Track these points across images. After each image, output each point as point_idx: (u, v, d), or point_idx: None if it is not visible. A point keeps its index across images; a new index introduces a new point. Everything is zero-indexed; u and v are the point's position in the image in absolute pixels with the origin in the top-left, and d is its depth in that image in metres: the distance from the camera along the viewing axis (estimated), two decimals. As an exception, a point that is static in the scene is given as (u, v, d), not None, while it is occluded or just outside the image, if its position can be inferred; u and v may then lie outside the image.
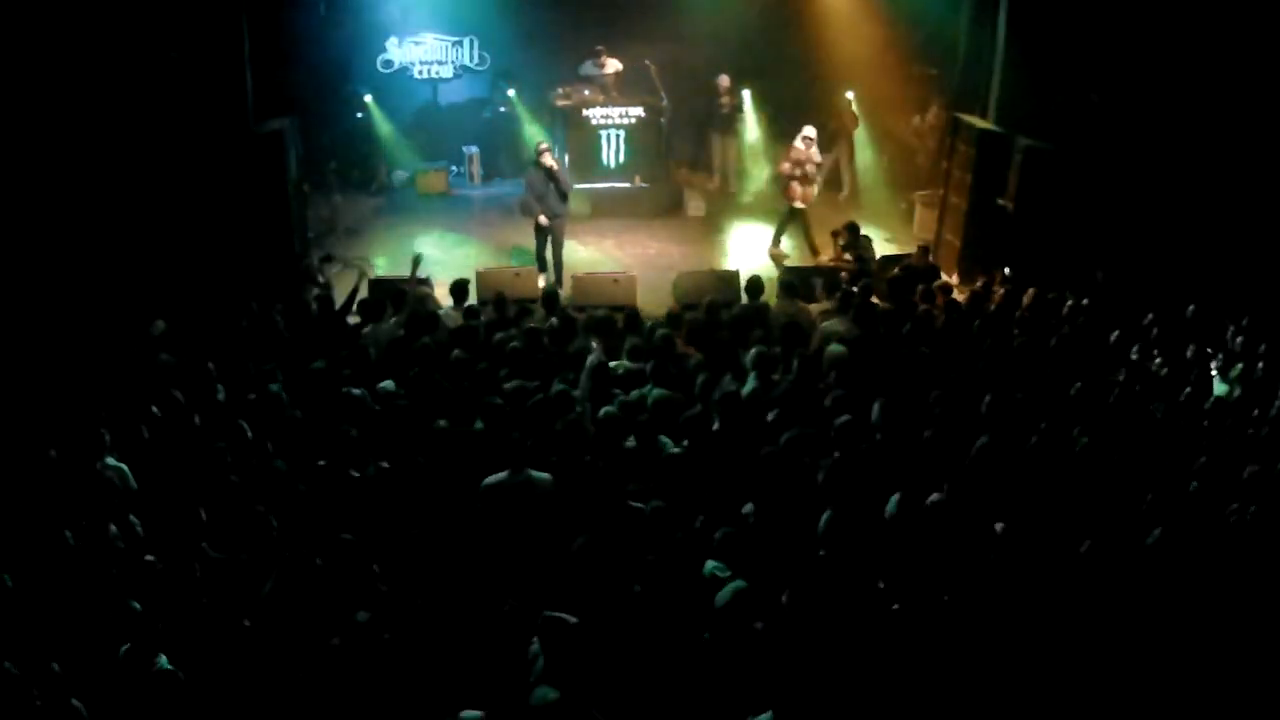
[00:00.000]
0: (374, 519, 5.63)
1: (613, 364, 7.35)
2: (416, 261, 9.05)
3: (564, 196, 11.07)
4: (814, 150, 11.76)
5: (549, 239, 11.13)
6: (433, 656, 4.78)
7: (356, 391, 6.80)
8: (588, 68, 13.91)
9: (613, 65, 13.80)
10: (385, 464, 6.09)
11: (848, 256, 10.73)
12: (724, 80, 13.96)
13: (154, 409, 6.56)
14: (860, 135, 14.37)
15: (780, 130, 14.01)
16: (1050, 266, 9.68)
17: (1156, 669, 4.79)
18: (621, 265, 11.65)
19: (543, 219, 10.98)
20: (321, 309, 8.59)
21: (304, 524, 5.48)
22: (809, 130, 11.81)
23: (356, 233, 12.77)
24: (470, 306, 8.74)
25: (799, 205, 11.81)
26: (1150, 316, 8.34)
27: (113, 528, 5.44)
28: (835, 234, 11.06)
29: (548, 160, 10.86)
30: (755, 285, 8.99)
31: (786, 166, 11.77)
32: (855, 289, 8.73)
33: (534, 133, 14.12)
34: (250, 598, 5.01)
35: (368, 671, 4.55)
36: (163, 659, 4.50)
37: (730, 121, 14.22)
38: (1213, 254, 9.62)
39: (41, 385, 7.00)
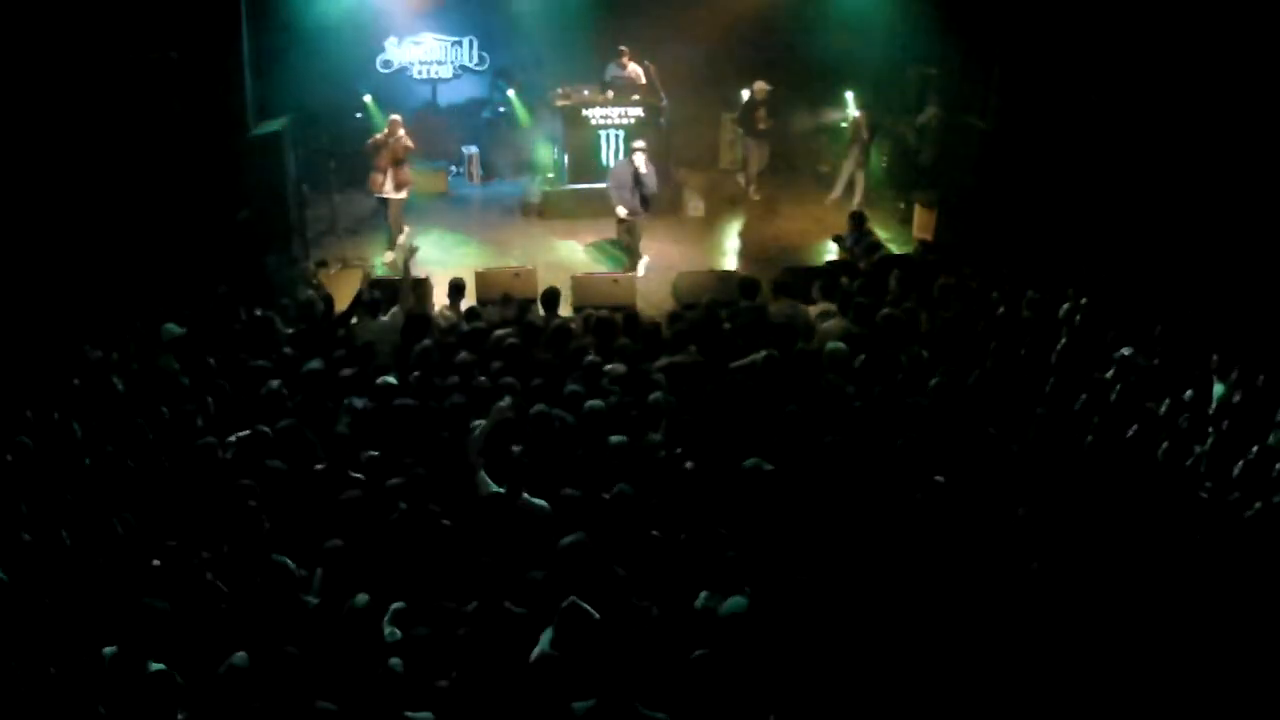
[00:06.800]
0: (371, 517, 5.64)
1: (608, 367, 7.35)
2: (412, 252, 9.00)
3: (644, 201, 11.34)
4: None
5: (628, 231, 11.53)
6: (431, 653, 4.79)
7: (358, 403, 6.78)
8: (612, 69, 13.81)
9: (634, 68, 13.70)
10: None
11: (849, 255, 10.72)
12: (760, 86, 13.81)
13: (159, 409, 6.56)
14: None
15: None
16: (1049, 267, 9.66)
17: (1157, 669, 4.80)
18: (621, 265, 11.64)
19: (621, 211, 11.41)
20: (323, 309, 8.58)
21: (298, 523, 5.48)
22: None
23: (356, 233, 12.76)
24: (471, 308, 8.73)
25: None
26: (1149, 316, 8.33)
27: (114, 525, 5.45)
28: (837, 237, 11.05)
29: (637, 160, 11.21)
30: (749, 285, 8.96)
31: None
32: (851, 290, 8.72)
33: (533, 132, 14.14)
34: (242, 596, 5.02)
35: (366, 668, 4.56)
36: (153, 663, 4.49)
37: (767, 130, 14.12)
38: (1211, 253, 9.60)
39: (40, 386, 7.00)
